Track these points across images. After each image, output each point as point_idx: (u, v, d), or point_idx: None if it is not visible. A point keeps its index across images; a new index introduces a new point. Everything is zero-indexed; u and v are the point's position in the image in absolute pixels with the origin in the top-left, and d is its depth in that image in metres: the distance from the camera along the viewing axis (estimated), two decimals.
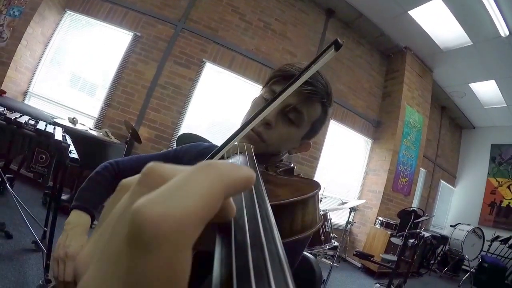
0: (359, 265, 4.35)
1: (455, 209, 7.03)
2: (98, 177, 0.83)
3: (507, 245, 5.07)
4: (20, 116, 1.57)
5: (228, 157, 0.43)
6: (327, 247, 2.39)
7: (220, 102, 4.18)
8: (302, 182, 0.47)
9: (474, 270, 4.98)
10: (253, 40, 4.33)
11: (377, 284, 3.43)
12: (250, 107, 0.73)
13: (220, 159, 0.47)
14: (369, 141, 5.31)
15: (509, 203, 5.92)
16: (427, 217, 4.36)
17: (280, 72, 0.69)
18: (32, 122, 1.60)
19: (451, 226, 5.74)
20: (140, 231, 0.11)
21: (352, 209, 3.25)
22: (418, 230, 3.49)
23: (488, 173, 6.50)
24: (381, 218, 4.53)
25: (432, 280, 4.83)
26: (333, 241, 2.44)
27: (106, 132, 3.26)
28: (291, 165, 0.61)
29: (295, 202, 0.37)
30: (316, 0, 4.70)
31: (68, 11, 3.72)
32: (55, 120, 2.88)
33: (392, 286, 2.76)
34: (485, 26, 3.91)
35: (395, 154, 4.88)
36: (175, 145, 3.54)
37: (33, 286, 1.61)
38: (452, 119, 7.01)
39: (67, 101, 3.64)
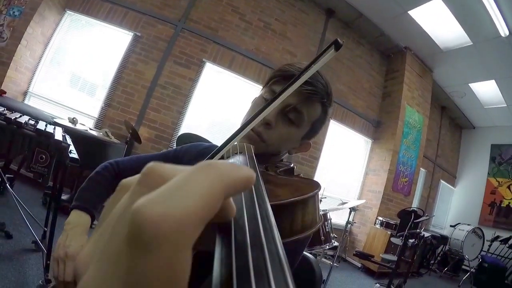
0: (359, 265, 4.35)
1: (455, 209, 7.03)
2: (98, 177, 0.83)
3: (507, 245, 5.07)
4: (20, 116, 1.57)
5: (228, 157, 0.43)
6: (327, 247, 2.39)
7: (220, 102, 4.18)
8: (302, 182, 0.47)
9: (474, 270, 4.98)
10: (253, 40, 4.33)
11: (377, 284, 3.43)
12: (250, 107, 0.73)
13: (220, 159, 0.47)
14: (369, 141, 5.31)
15: (509, 203, 5.92)
16: (427, 217, 4.36)
17: (280, 72, 0.69)
18: (32, 122, 1.60)
19: (451, 226, 5.74)
20: (140, 231, 0.11)
21: (352, 209, 3.25)
22: (418, 230, 3.49)
23: (488, 173, 6.49)
24: (381, 218, 4.53)
25: (432, 280, 4.83)
26: (333, 241, 2.44)
27: (106, 132, 3.26)
28: (291, 165, 0.61)
29: (295, 202, 0.37)
30: (316, 0, 4.70)
31: (68, 11, 3.72)
32: (55, 120, 2.88)
33: (392, 286, 2.76)
34: (485, 26, 3.91)
35: (395, 154, 4.88)
36: (175, 145, 3.54)
37: (33, 286, 1.61)
38: (452, 119, 7.01)
39: (67, 101, 3.64)
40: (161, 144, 3.78)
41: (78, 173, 2.90)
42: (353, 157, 5.28)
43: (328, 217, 2.55)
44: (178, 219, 0.11)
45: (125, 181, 0.18)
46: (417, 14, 4.20)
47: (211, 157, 0.47)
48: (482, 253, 5.29)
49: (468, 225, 5.52)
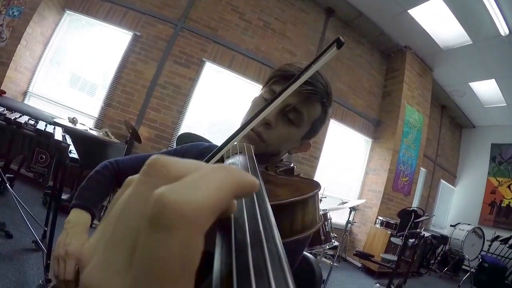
0: (359, 264, 4.35)
1: (455, 208, 7.03)
2: (98, 176, 0.83)
3: (507, 245, 5.07)
4: (20, 116, 1.57)
5: (228, 157, 0.43)
6: (327, 247, 2.39)
7: (220, 101, 4.18)
8: (302, 182, 0.47)
9: (474, 270, 4.98)
10: (253, 40, 4.33)
11: (377, 284, 3.44)
12: (250, 107, 0.73)
13: (220, 159, 0.47)
14: (369, 140, 5.31)
15: (509, 202, 5.92)
16: (427, 217, 4.37)
17: (280, 72, 0.69)
18: (32, 122, 1.60)
19: (451, 225, 5.74)
20: (163, 213, 0.12)
21: (352, 209, 3.25)
22: (418, 230, 3.49)
23: (488, 172, 6.49)
24: (381, 218, 4.53)
25: (432, 280, 4.83)
26: (333, 240, 2.44)
27: (106, 132, 3.26)
28: (291, 165, 0.61)
29: (295, 202, 0.37)
30: None
31: (67, 11, 3.72)
32: (55, 120, 2.88)
33: (392, 286, 2.77)
34: (485, 25, 3.90)
35: (395, 154, 4.88)
36: (175, 145, 3.54)
37: (33, 286, 1.62)
38: (452, 118, 7.01)
39: (67, 101, 3.64)
40: (161, 143, 3.78)
41: (78, 172, 2.91)
42: (353, 156, 5.28)
43: (328, 216, 2.55)
44: (196, 207, 0.13)
45: (131, 178, 0.18)
46: (417, 13, 4.19)
47: (211, 157, 0.47)
48: (482, 253, 5.29)
49: (468, 224, 5.52)
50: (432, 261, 5.21)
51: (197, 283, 0.13)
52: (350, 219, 3.42)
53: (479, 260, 5.09)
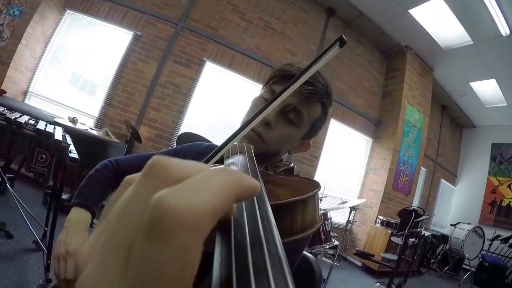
0: (360, 264, 4.35)
1: (456, 208, 7.03)
2: (98, 175, 0.83)
3: (507, 244, 5.07)
4: (20, 116, 1.57)
5: (228, 157, 0.43)
6: (328, 246, 2.39)
7: (220, 101, 4.18)
8: (302, 182, 0.47)
9: (474, 269, 4.98)
10: (253, 39, 4.33)
11: (378, 283, 3.44)
12: (250, 107, 0.73)
13: (220, 159, 0.47)
14: (370, 140, 5.31)
15: (510, 202, 5.92)
16: (428, 217, 4.36)
17: (280, 72, 0.69)
18: (32, 122, 1.60)
19: (451, 225, 5.74)
20: (162, 220, 0.12)
21: (353, 208, 3.25)
22: (418, 229, 3.49)
23: (489, 172, 6.49)
24: (381, 217, 4.53)
25: (433, 279, 4.83)
26: (333, 240, 2.44)
27: (106, 131, 3.26)
28: (291, 165, 0.61)
29: (295, 202, 0.37)
30: None
31: (68, 11, 3.72)
32: (55, 119, 2.88)
33: (392, 285, 2.77)
34: (486, 25, 3.90)
35: (396, 153, 4.88)
36: (175, 145, 3.54)
37: (33, 286, 1.62)
38: (452, 118, 7.00)
39: (68, 101, 3.64)
40: (161, 143, 3.78)
41: (78, 172, 2.90)
42: (354, 156, 5.28)
43: (329, 216, 2.55)
44: (196, 212, 0.12)
45: (129, 177, 0.18)
46: (417, 13, 4.19)
47: (211, 157, 0.47)
48: (483, 252, 5.30)
49: (469, 224, 5.52)
50: (432, 261, 5.22)
51: (196, 283, 0.13)
52: (350, 219, 3.41)
53: (479, 259, 5.09)
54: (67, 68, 3.78)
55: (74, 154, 1.55)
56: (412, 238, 3.24)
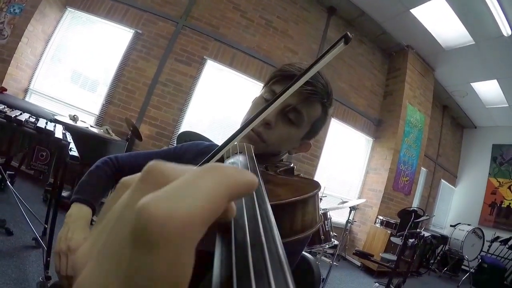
0: (359, 264, 4.35)
1: (456, 209, 7.03)
2: (98, 171, 0.83)
3: (507, 246, 5.07)
4: (21, 114, 1.57)
5: (228, 157, 0.43)
6: (327, 246, 2.39)
7: (221, 99, 4.18)
8: (302, 182, 0.47)
9: (473, 271, 4.98)
10: (254, 38, 4.32)
11: (376, 283, 3.44)
12: (250, 107, 0.73)
13: (220, 158, 0.47)
14: (370, 139, 5.31)
15: (510, 203, 5.91)
16: (427, 217, 4.37)
17: (280, 72, 0.69)
18: (32, 120, 1.60)
19: (451, 226, 5.74)
20: (145, 230, 0.11)
21: (352, 208, 3.25)
22: (418, 230, 3.49)
23: (489, 173, 6.48)
24: (381, 217, 4.53)
25: (432, 280, 4.83)
26: (333, 240, 2.44)
27: (107, 129, 3.26)
28: (291, 165, 0.61)
29: (295, 202, 0.37)
30: None
31: (69, 8, 3.71)
32: (56, 117, 2.88)
33: (391, 286, 2.77)
34: (488, 26, 3.89)
35: (396, 153, 4.87)
36: (175, 143, 3.54)
37: (33, 283, 1.62)
38: (453, 118, 6.99)
39: (68, 98, 3.64)
40: (161, 141, 3.78)
41: (79, 170, 2.91)
42: (354, 155, 5.28)
43: (328, 216, 2.55)
44: (183, 220, 0.11)
45: (125, 179, 0.18)
46: (419, 12, 4.18)
47: (212, 157, 0.47)
48: (482, 253, 5.29)
49: (468, 225, 5.52)
50: (431, 261, 5.22)
51: (196, 283, 0.13)
52: (350, 218, 3.42)
53: (479, 260, 5.09)
54: (68, 66, 3.78)
55: (74, 152, 1.55)
56: (411, 238, 3.25)
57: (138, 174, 0.15)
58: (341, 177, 5.15)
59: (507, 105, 5.61)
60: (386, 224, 4.40)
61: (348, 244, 4.71)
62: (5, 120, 1.40)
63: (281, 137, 0.67)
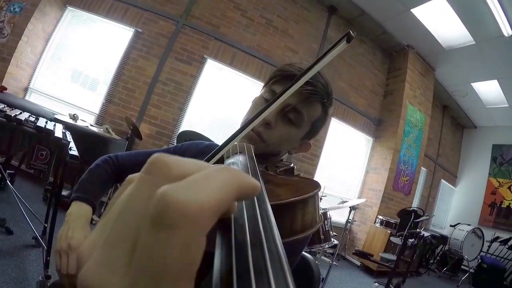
0: (359, 263, 4.36)
1: (455, 209, 7.03)
2: (98, 170, 0.83)
3: (506, 246, 5.07)
4: (20, 113, 1.57)
5: (228, 157, 0.43)
6: (327, 246, 2.40)
7: (221, 99, 4.18)
8: (302, 182, 0.47)
9: (473, 271, 4.99)
10: (254, 37, 4.32)
11: (376, 283, 3.44)
12: (250, 107, 0.73)
13: (220, 158, 0.47)
14: (370, 139, 5.31)
15: (510, 204, 5.92)
16: (427, 217, 4.37)
17: (280, 72, 0.69)
18: (32, 119, 1.60)
19: (451, 226, 5.74)
20: (166, 212, 0.12)
21: (352, 208, 3.25)
22: (418, 230, 3.49)
23: (489, 173, 6.49)
24: (381, 217, 4.53)
25: (431, 280, 4.84)
26: (332, 239, 2.44)
27: (107, 128, 3.26)
28: (291, 165, 0.61)
29: (295, 202, 0.37)
30: None
31: (69, 7, 3.71)
32: (56, 116, 2.88)
33: (391, 285, 2.77)
34: (488, 26, 3.88)
35: (396, 153, 4.87)
36: (175, 142, 3.54)
37: (33, 282, 1.62)
38: (453, 118, 6.99)
39: (68, 97, 3.64)
40: (162, 140, 3.78)
41: (79, 169, 2.91)
42: (354, 155, 5.28)
43: (328, 215, 2.55)
44: (199, 207, 0.12)
45: (131, 176, 0.18)
46: (420, 12, 4.17)
47: (212, 156, 0.47)
48: (482, 253, 5.30)
49: (468, 225, 5.52)
50: (431, 261, 5.23)
51: (197, 283, 0.13)
52: (350, 218, 3.42)
53: (478, 260, 5.10)
54: (68, 64, 3.77)
55: (74, 151, 1.55)
56: (411, 238, 3.25)
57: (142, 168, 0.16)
58: (341, 176, 5.15)
59: (507, 105, 5.61)
60: (386, 224, 4.40)
61: (348, 244, 4.71)
62: (5, 119, 1.40)
63: (281, 137, 0.67)
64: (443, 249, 5.46)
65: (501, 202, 6.05)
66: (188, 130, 3.23)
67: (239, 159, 0.39)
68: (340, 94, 4.77)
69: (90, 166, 0.84)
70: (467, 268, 5.04)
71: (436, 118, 6.32)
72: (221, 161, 0.46)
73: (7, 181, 1.89)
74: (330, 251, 4.06)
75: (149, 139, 3.73)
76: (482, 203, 6.36)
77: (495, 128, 6.64)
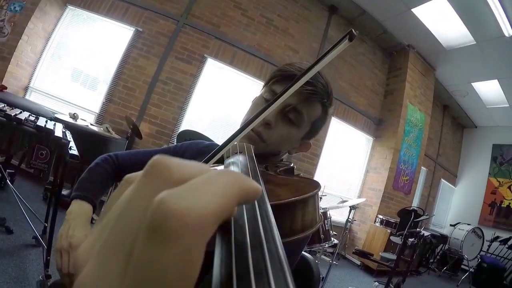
0: (359, 263, 4.36)
1: (455, 208, 7.03)
2: (98, 169, 0.83)
3: (506, 245, 5.07)
4: (20, 113, 1.57)
5: (228, 157, 0.43)
6: (327, 246, 2.40)
7: (221, 98, 4.18)
8: (302, 182, 0.47)
9: (473, 270, 4.99)
10: (255, 36, 4.31)
11: (376, 283, 3.45)
12: (250, 107, 0.73)
13: (220, 158, 0.47)
14: (371, 139, 5.31)
15: (510, 203, 5.92)
16: (427, 217, 4.37)
17: (280, 72, 0.69)
18: (32, 118, 1.60)
19: (451, 225, 5.75)
20: (164, 223, 0.11)
21: (352, 207, 3.25)
22: (417, 229, 3.50)
23: (489, 173, 6.49)
24: (381, 217, 4.54)
25: (431, 279, 4.84)
26: (332, 239, 2.44)
27: (107, 127, 3.26)
28: (291, 165, 0.61)
29: (295, 201, 0.37)
30: None
31: (69, 6, 3.71)
32: (56, 115, 2.88)
33: (391, 285, 2.78)
34: (489, 26, 3.88)
35: (396, 153, 4.87)
36: (175, 141, 3.54)
37: (33, 282, 1.62)
38: (454, 118, 6.99)
39: (68, 96, 3.64)
40: (162, 139, 3.78)
41: (79, 168, 2.91)
42: (354, 154, 5.27)
43: (328, 215, 2.55)
44: (199, 215, 0.12)
45: (129, 176, 0.18)
46: (420, 12, 4.17)
47: (212, 156, 0.47)
48: (482, 253, 5.30)
49: (468, 224, 5.52)
50: (431, 260, 5.23)
51: (196, 283, 0.13)
52: (350, 217, 3.42)
53: (478, 260, 5.10)
54: (68, 64, 3.77)
55: (74, 150, 1.55)
56: (411, 238, 3.25)
57: (142, 171, 0.15)
58: (341, 176, 5.15)
59: (507, 105, 5.60)
60: (386, 223, 4.40)
61: (348, 243, 4.72)
62: (5, 119, 1.40)
63: (281, 137, 0.67)
64: (443, 248, 5.47)
65: (501, 202, 6.06)
66: (188, 130, 3.23)
67: (239, 159, 0.39)
68: (340, 93, 4.77)
69: (90, 165, 0.84)
70: (467, 268, 5.05)
71: (437, 117, 6.32)
72: (221, 161, 0.46)
73: (7, 180, 1.89)
74: (330, 250, 4.06)
75: (149, 138, 3.73)
76: (482, 203, 6.36)
77: (495, 128, 6.64)
